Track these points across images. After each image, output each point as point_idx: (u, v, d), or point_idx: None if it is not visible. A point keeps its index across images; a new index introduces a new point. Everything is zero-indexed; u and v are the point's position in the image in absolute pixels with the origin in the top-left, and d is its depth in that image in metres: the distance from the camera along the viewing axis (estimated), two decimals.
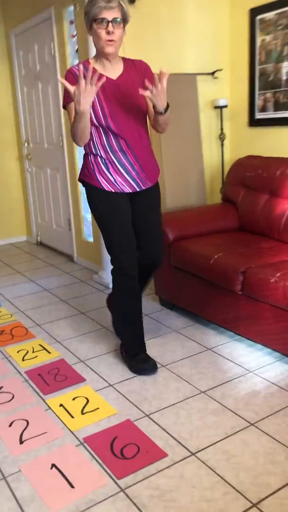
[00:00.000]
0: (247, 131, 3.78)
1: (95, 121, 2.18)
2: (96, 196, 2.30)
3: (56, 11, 3.83)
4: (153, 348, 2.66)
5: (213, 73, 3.73)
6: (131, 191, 2.30)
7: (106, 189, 2.27)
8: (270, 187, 3.01)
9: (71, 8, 3.62)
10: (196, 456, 1.79)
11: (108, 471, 1.74)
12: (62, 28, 3.81)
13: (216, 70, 3.74)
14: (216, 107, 3.78)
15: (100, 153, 2.24)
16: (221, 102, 3.72)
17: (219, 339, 2.72)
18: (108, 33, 2.06)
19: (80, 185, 4.13)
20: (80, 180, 2.35)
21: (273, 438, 1.87)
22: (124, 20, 2.11)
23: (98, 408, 2.12)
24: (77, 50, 3.61)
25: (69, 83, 2.03)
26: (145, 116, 2.29)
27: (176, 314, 3.10)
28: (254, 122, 3.68)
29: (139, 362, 2.41)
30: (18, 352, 2.69)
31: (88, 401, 2.18)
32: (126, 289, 2.37)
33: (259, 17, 3.46)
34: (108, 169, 2.25)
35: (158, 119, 2.19)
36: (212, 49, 3.75)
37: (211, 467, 1.73)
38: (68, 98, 2.17)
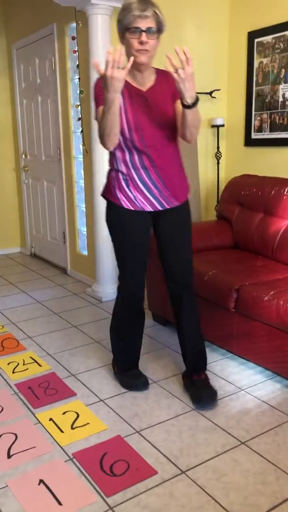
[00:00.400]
0: (243, 151, 3.83)
1: (120, 133, 2.05)
2: (114, 213, 2.20)
3: (58, 27, 3.89)
4: (145, 364, 2.64)
5: (211, 93, 3.79)
6: (153, 210, 2.17)
7: (125, 206, 2.15)
8: (265, 206, 3.04)
9: (74, 24, 3.67)
10: (186, 474, 1.78)
11: (97, 488, 1.72)
12: (63, 43, 3.86)
13: (214, 90, 3.80)
14: (213, 126, 3.83)
15: (121, 168, 2.13)
16: (218, 121, 3.77)
17: (211, 356, 2.72)
18: (141, 43, 1.95)
19: (76, 198, 4.15)
20: (102, 195, 2.25)
21: (264, 458, 1.86)
22: (159, 30, 2.00)
23: (88, 423, 2.10)
24: (78, 66, 3.66)
25: (99, 87, 1.98)
26: (174, 131, 2.12)
27: (169, 330, 3.10)
28: (250, 141, 3.73)
29: (130, 377, 2.39)
30: (8, 364, 2.67)
31: (78, 415, 2.16)
32: (129, 308, 2.31)
33: (257, 40, 3.53)
34: (128, 185, 2.13)
35: (186, 117, 1.95)
36: (211, 70, 3.81)
37: (201, 486, 1.72)
38: (99, 103, 2.03)
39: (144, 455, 1.89)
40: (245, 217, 3.16)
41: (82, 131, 3.74)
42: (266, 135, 3.58)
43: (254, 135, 3.68)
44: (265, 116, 3.56)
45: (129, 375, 2.39)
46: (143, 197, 2.14)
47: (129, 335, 2.38)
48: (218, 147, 3.87)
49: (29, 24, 4.39)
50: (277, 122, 3.47)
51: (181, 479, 1.75)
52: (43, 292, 3.93)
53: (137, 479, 1.75)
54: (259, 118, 3.60)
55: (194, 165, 3.76)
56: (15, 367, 2.62)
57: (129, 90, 2.06)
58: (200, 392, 2.23)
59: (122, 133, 2.05)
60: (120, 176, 2.14)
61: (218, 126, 3.79)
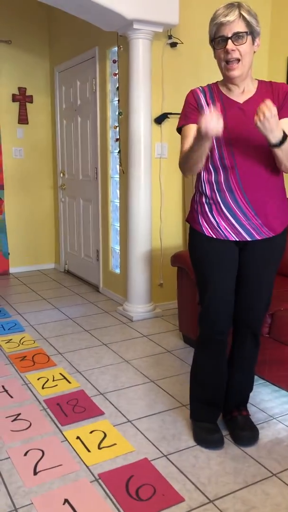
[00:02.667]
0: None
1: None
2: (195, 241, 1.97)
3: (100, 51, 4.00)
4: (174, 386, 2.60)
5: None
6: (238, 240, 1.90)
7: (207, 234, 1.91)
8: None
9: (115, 48, 3.77)
10: (214, 504, 1.72)
11: (122, 511, 1.68)
12: (104, 66, 3.96)
13: None
14: None
15: (205, 191, 1.90)
16: None
17: None
18: (228, 52, 1.74)
19: (110, 217, 4.19)
20: (186, 220, 2.05)
21: None
22: (251, 32, 1.75)
23: (115, 444, 2.07)
24: (117, 88, 3.74)
25: (188, 103, 1.90)
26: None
27: None
28: None
29: (203, 430, 2.08)
30: (38, 379, 2.68)
31: (105, 435, 2.14)
32: (208, 350, 2.03)
33: None
34: (211, 211, 1.89)
35: (275, 154, 1.74)
36: None
37: None
38: (184, 120, 1.91)
39: (171, 481, 1.84)
40: None
41: (119, 152, 3.79)
42: None
43: None
44: None
45: (202, 427, 2.09)
46: (227, 224, 1.87)
47: (210, 383, 2.06)
48: None
49: (72, 48, 4.54)
50: None
51: (208, 509, 1.70)
52: (75, 309, 3.96)
53: (163, 505, 1.71)
54: None
55: None
56: (45, 383, 2.63)
57: (222, 102, 1.86)
58: (242, 432, 2.06)
59: (211, 149, 1.82)
60: (204, 199, 1.91)
61: None
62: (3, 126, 4.93)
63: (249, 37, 1.76)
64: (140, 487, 1.80)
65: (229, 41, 1.74)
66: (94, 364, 2.89)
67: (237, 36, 1.73)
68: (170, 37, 3.46)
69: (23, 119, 5.02)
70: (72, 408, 2.37)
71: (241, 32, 1.73)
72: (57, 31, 4.84)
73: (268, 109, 1.59)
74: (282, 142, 1.69)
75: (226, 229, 1.88)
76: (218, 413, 2.12)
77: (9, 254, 5.13)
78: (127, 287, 3.73)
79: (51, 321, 3.66)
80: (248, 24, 1.74)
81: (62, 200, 5.12)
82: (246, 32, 1.74)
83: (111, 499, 1.74)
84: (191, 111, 1.90)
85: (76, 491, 1.78)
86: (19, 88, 4.97)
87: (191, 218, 1.99)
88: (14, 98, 4.95)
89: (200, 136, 1.66)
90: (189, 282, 3.00)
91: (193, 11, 3.52)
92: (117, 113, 3.82)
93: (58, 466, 1.93)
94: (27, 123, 5.06)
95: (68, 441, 2.10)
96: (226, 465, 1.94)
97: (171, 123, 3.62)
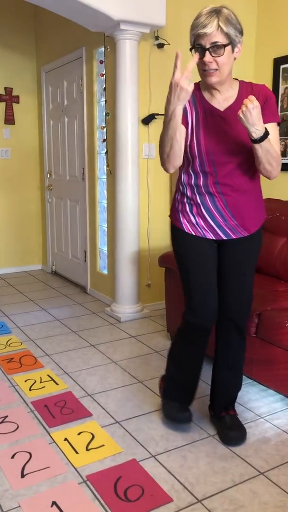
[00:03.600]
0: None
1: (189, 155, 1.93)
2: (177, 237, 2.05)
3: (87, 51, 3.99)
4: None
5: None
6: (215, 239, 1.99)
7: (187, 231, 2.00)
8: None
9: (102, 49, 3.76)
10: (202, 504, 1.73)
11: None
12: (91, 67, 3.95)
13: None
14: None
15: (186, 192, 1.99)
16: None
17: None
18: (205, 63, 1.77)
19: (98, 217, 4.18)
20: (169, 216, 2.12)
21: (284, 491, 1.79)
22: (230, 43, 1.75)
23: (103, 445, 2.07)
24: (104, 88, 3.73)
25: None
26: (252, 156, 1.86)
27: None
28: None
29: (173, 408, 2.15)
30: (25, 381, 2.66)
31: (93, 437, 2.13)
32: (191, 338, 2.07)
33: (283, 66, 3.55)
34: (192, 210, 1.98)
35: (255, 152, 1.78)
36: None
37: None
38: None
39: (160, 481, 1.84)
40: (268, 241, 3.13)
41: (106, 152, 3.79)
42: None
43: None
44: None
45: (172, 404, 2.16)
46: (206, 224, 1.97)
47: (187, 370, 2.13)
48: None
49: (58, 48, 4.52)
50: None
51: (197, 508, 1.70)
52: (62, 310, 3.94)
53: (151, 505, 1.71)
54: (283, 143, 3.59)
55: None
56: (32, 385, 2.62)
57: (204, 109, 1.88)
58: (230, 432, 2.08)
59: (191, 156, 1.91)
60: (185, 199, 2.00)
61: None
62: None
63: (228, 47, 1.76)
64: (129, 488, 1.80)
65: (207, 52, 1.75)
66: (82, 365, 2.88)
67: (215, 47, 1.74)
68: (157, 38, 3.47)
69: (9, 119, 4.99)
70: (59, 410, 2.35)
71: (219, 44, 1.74)
72: (44, 31, 4.82)
73: (251, 101, 1.65)
74: (263, 138, 1.73)
75: (205, 228, 1.97)
76: (190, 397, 2.18)
77: None
78: (115, 288, 3.73)
79: (39, 323, 3.63)
80: (226, 35, 1.73)
81: (49, 200, 5.09)
82: (224, 44, 1.74)
83: (99, 501, 1.74)
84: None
85: (64, 493, 1.77)
86: (6, 88, 4.93)
87: (173, 215, 2.07)
88: (1, 98, 4.91)
89: (170, 96, 1.71)
90: (176, 283, 3.00)
91: (180, 12, 3.54)
92: (104, 113, 3.81)
93: (45, 468, 1.92)
94: (14, 124, 5.02)
95: (55, 443, 2.09)
96: (214, 464, 1.95)
97: (159, 124, 3.62)
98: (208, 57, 1.75)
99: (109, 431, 2.19)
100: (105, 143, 3.82)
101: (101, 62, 3.76)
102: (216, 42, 1.73)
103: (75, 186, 4.52)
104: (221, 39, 1.73)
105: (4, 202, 5.10)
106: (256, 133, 1.72)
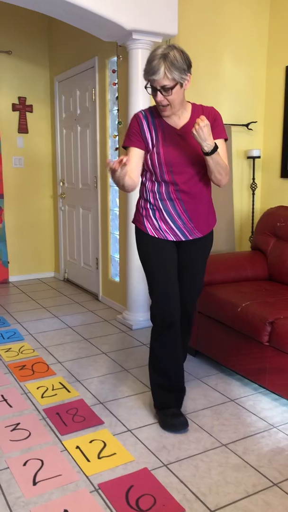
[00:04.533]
0: (279, 182, 3.80)
1: (150, 166, 2.17)
2: (142, 240, 2.28)
3: (100, 61, 4.03)
4: None
5: (247, 125, 3.81)
6: (175, 240, 2.24)
7: (151, 234, 2.24)
8: None
9: (114, 58, 3.80)
10: None
11: None
12: (104, 76, 3.99)
13: (251, 122, 3.82)
14: (249, 157, 3.83)
15: (149, 199, 2.22)
16: (254, 153, 3.77)
17: (243, 390, 2.64)
18: (158, 101, 2.05)
19: (110, 225, 4.20)
20: (133, 221, 2.35)
21: None
22: (176, 84, 2.00)
23: (115, 454, 2.06)
24: (117, 97, 3.76)
25: (132, 127, 2.19)
26: (205, 168, 2.16)
27: (199, 361, 3.04)
28: (286, 173, 3.71)
29: (168, 416, 2.25)
30: (38, 388, 2.67)
31: (105, 445, 2.13)
32: (162, 336, 2.24)
33: None
34: (155, 215, 2.22)
35: (207, 163, 2.06)
36: (248, 102, 3.85)
37: None
38: (127, 142, 2.20)
39: (171, 491, 1.83)
40: (281, 248, 3.12)
41: None
42: None
43: None
44: None
45: (167, 413, 2.26)
46: (167, 227, 2.22)
47: (168, 370, 2.26)
48: (253, 178, 3.86)
49: (71, 58, 4.57)
50: None
51: None
52: (74, 317, 3.95)
53: None
54: None
55: (229, 195, 3.76)
56: (44, 392, 2.62)
57: (163, 128, 2.16)
58: (173, 420, 2.23)
59: (152, 166, 2.17)
60: (148, 205, 2.23)
61: (254, 158, 3.80)
62: (3, 136, 4.96)
63: (176, 87, 2.02)
64: (140, 497, 1.79)
65: (158, 92, 2.02)
66: (93, 373, 2.88)
67: (164, 89, 2.01)
68: None
69: (23, 128, 5.05)
70: (71, 418, 2.35)
71: (167, 86, 2.00)
72: (57, 41, 4.88)
73: (202, 120, 1.93)
74: (213, 151, 2.01)
75: (166, 231, 2.23)
76: (181, 397, 2.32)
77: (8, 262, 5.13)
78: (127, 295, 3.73)
79: (51, 330, 3.65)
80: (172, 79, 1.98)
81: (61, 208, 5.13)
82: (171, 87, 2.00)
83: (111, 510, 1.73)
84: (134, 135, 2.19)
85: (76, 502, 1.77)
86: (19, 98, 5.00)
87: (137, 220, 2.30)
88: (14, 108, 4.98)
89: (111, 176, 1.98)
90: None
91: (192, 22, 3.56)
92: (116, 122, 3.84)
93: (57, 476, 1.92)
94: (27, 132, 5.08)
95: (67, 451, 2.09)
96: (226, 474, 1.93)
97: None
98: (159, 96, 2.03)
99: (120, 439, 2.18)
100: (117, 151, 3.84)
101: (113, 71, 3.79)
102: (164, 85, 2.00)
103: (87, 194, 4.55)
104: (167, 82, 1.99)
105: (17, 210, 5.15)
106: (208, 147, 1.99)
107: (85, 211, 4.63)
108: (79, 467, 1.98)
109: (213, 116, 2.17)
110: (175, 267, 2.26)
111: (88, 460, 2.02)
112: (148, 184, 2.22)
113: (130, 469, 1.96)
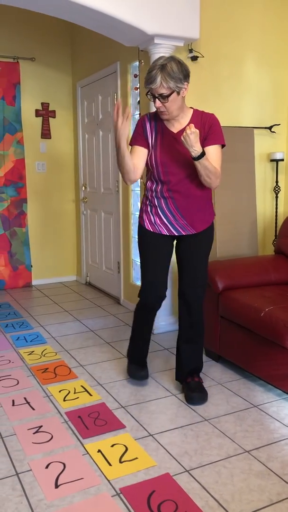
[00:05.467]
0: None
1: (149, 166, 2.44)
2: (140, 233, 2.55)
3: (121, 66, 4.05)
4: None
5: (270, 127, 3.78)
6: (168, 234, 2.48)
7: (147, 228, 2.50)
8: None
9: (136, 63, 3.81)
10: None
11: None
12: (126, 81, 4.01)
13: (274, 125, 3.78)
14: (272, 160, 3.79)
15: (148, 196, 2.49)
16: (278, 156, 3.73)
17: (266, 396, 2.60)
18: (158, 107, 2.26)
19: (131, 229, 4.20)
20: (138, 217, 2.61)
21: None
22: (172, 92, 2.22)
23: (136, 458, 2.05)
24: (138, 102, 3.77)
25: (137, 128, 2.45)
26: None
27: (222, 366, 3.01)
28: None
29: (132, 367, 2.73)
30: (60, 391, 2.68)
31: (127, 449, 2.12)
32: (143, 317, 2.62)
33: None
34: (151, 211, 2.48)
35: (196, 167, 2.26)
36: (271, 105, 3.81)
37: None
38: (133, 141, 2.45)
39: (194, 497, 1.81)
40: None
41: None
42: None
43: None
44: None
45: (133, 365, 2.74)
46: (161, 222, 2.46)
47: (142, 333, 2.68)
48: (277, 181, 3.82)
49: (93, 63, 4.61)
50: None
51: None
52: (96, 321, 3.96)
53: None
54: None
55: (252, 198, 3.73)
56: (66, 395, 2.63)
57: (162, 131, 2.38)
58: (193, 393, 2.52)
59: (151, 166, 2.42)
60: (147, 202, 2.50)
61: (277, 161, 3.76)
62: (26, 141, 5.02)
63: (172, 95, 2.23)
64: (162, 502, 1.77)
65: (156, 99, 2.24)
66: (115, 377, 2.88)
67: (161, 96, 2.22)
68: (191, 51, 3.49)
69: (46, 133, 5.11)
70: (93, 421, 2.36)
71: (164, 94, 2.21)
72: (79, 47, 4.93)
73: (189, 128, 2.11)
74: (200, 157, 2.18)
75: (160, 226, 2.47)
76: (143, 358, 2.73)
77: (32, 266, 5.19)
78: None
79: (73, 333, 3.67)
80: (169, 87, 2.20)
81: (83, 213, 5.16)
82: (167, 95, 2.21)
83: None
84: (138, 135, 2.43)
85: (98, 506, 1.77)
86: (42, 104, 5.06)
87: (139, 215, 2.57)
88: (37, 113, 5.04)
89: (114, 133, 2.22)
90: (210, 294, 2.98)
91: (214, 25, 3.55)
92: None
93: (79, 479, 1.92)
94: (50, 138, 5.14)
95: (89, 454, 2.09)
96: (250, 482, 1.90)
97: None
98: (157, 103, 2.25)
99: (142, 444, 2.17)
100: None
101: (135, 76, 3.80)
102: (161, 93, 2.22)
103: (109, 198, 4.57)
104: (164, 91, 2.21)
105: (40, 215, 5.21)
106: (194, 153, 2.17)
107: (107, 215, 4.65)
108: (101, 471, 1.98)
109: (210, 123, 2.34)
110: (166, 260, 2.52)
111: (110, 464, 2.01)
112: (148, 183, 2.48)
113: (152, 474, 1.95)
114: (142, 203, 2.56)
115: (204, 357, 3.14)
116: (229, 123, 3.70)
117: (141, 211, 2.56)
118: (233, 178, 3.63)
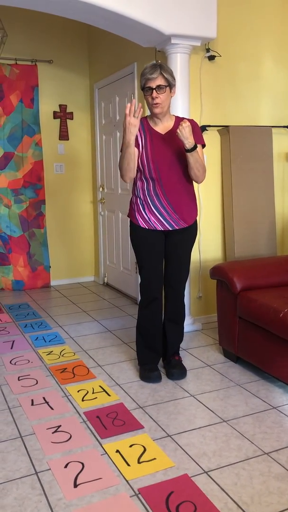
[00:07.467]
0: None
1: (140, 164, 2.62)
2: (134, 231, 2.73)
3: (139, 66, 4.06)
4: (214, 401, 2.56)
5: None
6: (163, 229, 2.67)
7: (142, 226, 2.68)
8: None
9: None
10: None
11: None
12: None
13: None
14: None
15: (140, 195, 2.67)
16: None
17: (285, 398, 2.58)
18: (153, 98, 2.49)
19: None
20: (127, 216, 2.79)
21: None
22: (169, 85, 2.50)
23: (155, 459, 2.05)
24: None
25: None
26: (186, 168, 2.61)
27: (240, 367, 2.99)
28: None
29: (146, 370, 2.81)
30: (78, 391, 2.70)
31: (145, 450, 2.12)
32: (146, 308, 2.76)
33: None
34: (144, 209, 2.67)
35: (188, 160, 2.51)
36: None
37: None
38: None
39: (212, 498, 1.80)
40: None
41: None
42: None
43: None
44: None
45: (145, 368, 2.83)
46: (155, 219, 2.65)
47: (148, 333, 2.79)
48: None
49: (111, 65, 4.63)
50: None
51: None
52: (114, 321, 3.98)
53: None
54: None
55: (270, 198, 3.69)
56: (85, 395, 2.65)
57: (151, 133, 2.62)
58: (173, 369, 2.82)
59: (142, 164, 2.61)
60: (138, 201, 2.69)
61: None
62: (45, 143, 5.07)
63: (168, 88, 2.52)
64: (181, 504, 1.77)
65: (154, 91, 2.49)
66: (133, 377, 2.88)
67: (159, 87, 2.48)
68: (208, 50, 3.48)
69: (64, 135, 5.15)
70: (111, 421, 2.37)
71: (162, 85, 2.48)
72: (96, 49, 4.96)
73: (184, 122, 2.40)
74: (193, 149, 2.46)
75: (155, 222, 2.66)
76: (157, 357, 2.87)
77: (50, 267, 5.23)
78: None
79: (91, 334, 3.69)
80: (166, 79, 2.49)
81: (101, 213, 5.19)
82: (165, 85, 2.49)
83: None
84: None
85: (116, 506, 1.77)
86: (60, 106, 5.10)
87: (131, 214, 2.75)
88: (55, 115, 5.09)
89: (125, 131, 2.45)
90: (229, 295, 2.96)
91: (231, 24, 3.53)
92: None
93: (98, 479, 1.93)
94: (68, 139, 5.18)
95: (107, 454, 2.10)
96: (269, 484, 1.88)
97: (210, 136, 3.61)
98: (155, 93, 2.49)
99: (160, 444, 2.17)
100: None
101: None
102: (159, 84, 2.48)
103: (126, 199, 4.58)
104: (162, 82, 2.49)
105: (58, 216, 5.25)
106: (189, 144, 2.44)
107: (124, 216, 4.66)
108: (119, 471, 1.98)
109: (192, 126, 2.55)
110: (160, 255, 2.73)
111: (128, 465, 2.02)
112: (138, 183, 2.67)
113: (170, 474, 1.95)
114: (132, 203, 2.73)
115: (222, 358, 3.13)
116: (247, 123, 3.68)
117: (132, 211, 2.73)
118: (251, 177, 3.61)
